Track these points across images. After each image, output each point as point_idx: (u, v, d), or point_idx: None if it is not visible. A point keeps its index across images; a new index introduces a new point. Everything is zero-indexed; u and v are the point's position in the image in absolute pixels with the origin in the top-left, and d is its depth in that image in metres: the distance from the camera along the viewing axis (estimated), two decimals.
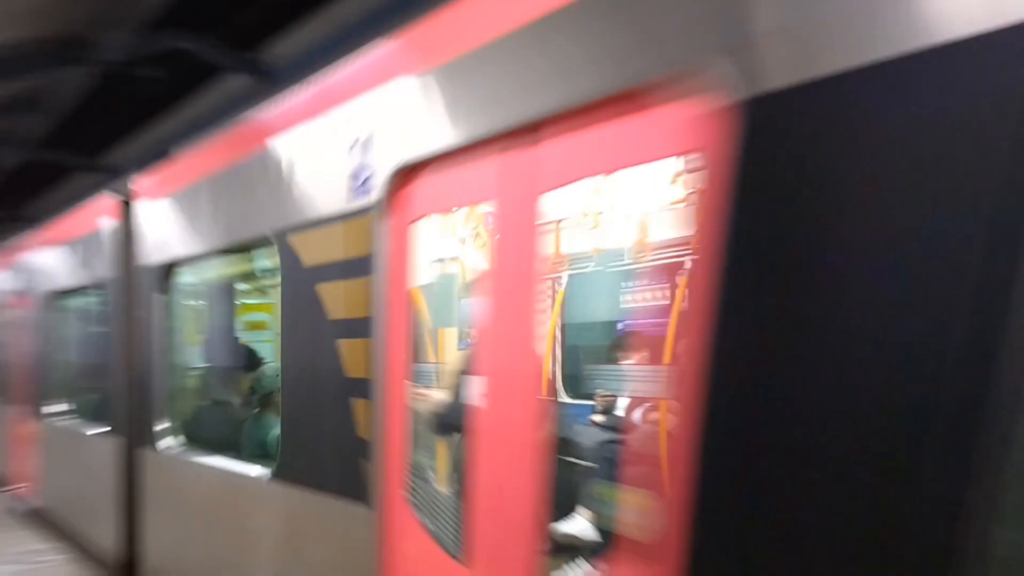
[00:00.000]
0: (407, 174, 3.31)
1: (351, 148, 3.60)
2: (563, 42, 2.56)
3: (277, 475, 4.25)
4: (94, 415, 7.43)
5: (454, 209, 3.74)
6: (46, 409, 8.78)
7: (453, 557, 3.12)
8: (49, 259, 8.82)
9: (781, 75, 1.94)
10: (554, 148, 2.68)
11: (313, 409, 3.94)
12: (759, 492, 1.97)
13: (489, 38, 2.84)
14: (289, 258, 4.08)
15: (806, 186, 1.90)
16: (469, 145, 2.97)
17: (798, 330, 1.90)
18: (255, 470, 4.53)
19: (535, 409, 2.78)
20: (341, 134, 3.70)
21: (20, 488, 10.11)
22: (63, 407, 8.42)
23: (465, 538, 3.05)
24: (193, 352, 6.17)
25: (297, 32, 12.53)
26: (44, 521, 8.79)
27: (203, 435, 5.60)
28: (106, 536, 6.80)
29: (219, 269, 5.57)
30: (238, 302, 6.36)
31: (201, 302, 6.13)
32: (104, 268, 6.87)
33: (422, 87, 3.20)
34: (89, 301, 7.75)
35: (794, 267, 1.92)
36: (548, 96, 2.62)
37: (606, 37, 2.42)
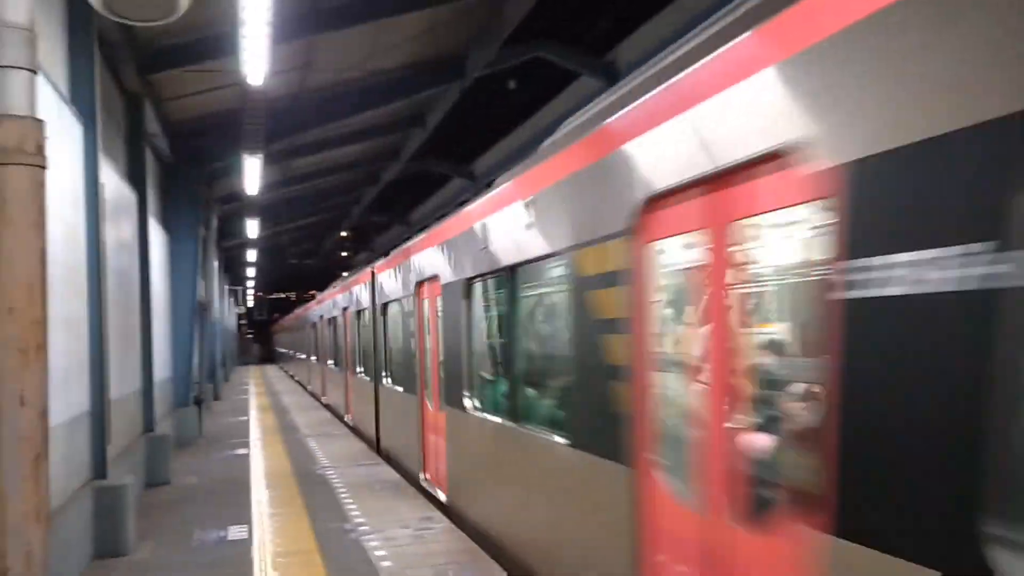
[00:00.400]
0: (423, 282, 9.96)
1: (410, 274, 10.37)
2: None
3: (405, 390, 11.13)
4: (368, 370, 15.03)
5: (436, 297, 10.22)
6: (357, 369, 16.71)
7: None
8: (349, 294, 16.77)
9: (448, 278, 8.34)
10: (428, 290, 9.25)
11: (409, 362, 10.77)
12: (447, 377, 8.40)
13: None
14: (399, 307, 10.96)
15: (452, 307, 8.26)
16: (420, 282, 9.61)
17: (453, 351, 8.31)
18: (401, 388, 11.46)
19: None
20: (408, 271, 10.50)
21: (349, 414, 18.36)
22: (361, 368, 16.25)
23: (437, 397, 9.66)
24: (393, 342, 13.31)
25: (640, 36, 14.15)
26: (355, 432, 16.67)
27: (397, 376, 12.74)
28: (371, 430, 14.30)
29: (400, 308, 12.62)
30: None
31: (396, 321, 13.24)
32: (366, 302, 14.40)
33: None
34: (366, 317, 15.37)
35: (452, 336, 8.30)
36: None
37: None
